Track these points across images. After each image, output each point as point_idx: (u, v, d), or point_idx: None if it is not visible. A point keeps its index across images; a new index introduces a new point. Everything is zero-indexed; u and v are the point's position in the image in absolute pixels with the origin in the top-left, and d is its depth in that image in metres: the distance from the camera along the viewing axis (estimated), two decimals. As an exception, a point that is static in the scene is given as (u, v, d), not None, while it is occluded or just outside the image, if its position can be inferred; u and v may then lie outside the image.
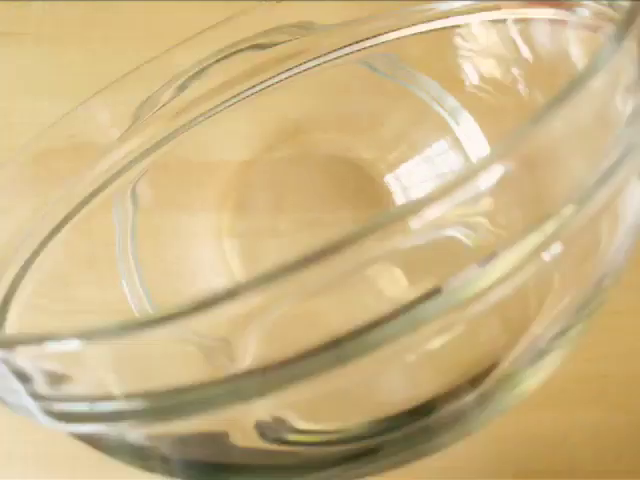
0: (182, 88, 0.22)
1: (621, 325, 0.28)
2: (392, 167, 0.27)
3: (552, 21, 0.20)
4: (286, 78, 0.23)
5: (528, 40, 0.22)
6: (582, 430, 0.28)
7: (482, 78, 0.21)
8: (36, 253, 0.27)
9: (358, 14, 0.26)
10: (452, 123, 0.19)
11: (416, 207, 0.10)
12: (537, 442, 0.28)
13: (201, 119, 0.23)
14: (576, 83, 0.11)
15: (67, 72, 0.28)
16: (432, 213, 0.10)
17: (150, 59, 0.26)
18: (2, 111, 0.28)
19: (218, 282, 0.26)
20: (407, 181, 0.26)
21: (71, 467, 0.28)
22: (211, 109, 0.23)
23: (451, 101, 0.19)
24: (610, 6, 0.17)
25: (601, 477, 0.28)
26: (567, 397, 0.28)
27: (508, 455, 0.28)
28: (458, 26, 0.21)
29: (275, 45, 0.22)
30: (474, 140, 0.19)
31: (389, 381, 0.15)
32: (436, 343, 0.13)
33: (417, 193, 0.26)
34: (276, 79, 0.23)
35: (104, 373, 0.13)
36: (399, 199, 0.27)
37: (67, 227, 0.28)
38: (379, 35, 0.22)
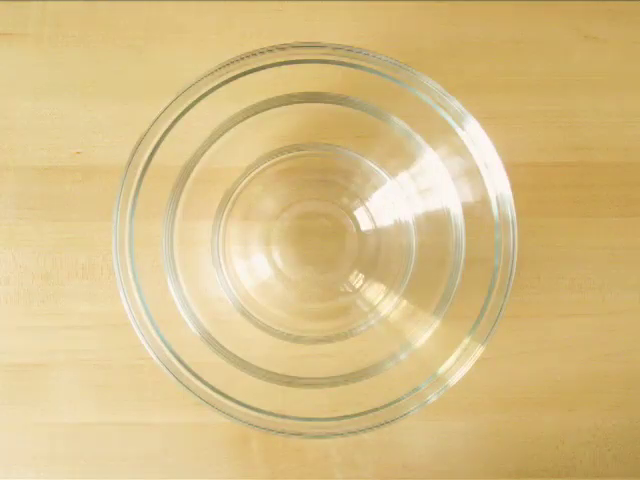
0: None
1: (621, 325, 0.29)
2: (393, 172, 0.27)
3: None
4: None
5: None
6: (582, 430, 0.28)
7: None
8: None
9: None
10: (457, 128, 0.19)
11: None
12: (537, 442, 0.28)
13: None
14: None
15: (67, 72, 0.28)
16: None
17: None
18: (2, 111, 0.28)
19: (219, 290, 0.26)
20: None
21: (71, 467, 0.28)
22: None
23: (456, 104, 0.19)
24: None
25: (600, 477, 0.29)
26: (567, 397, 0.28)
27: (508, 455, 0.28)
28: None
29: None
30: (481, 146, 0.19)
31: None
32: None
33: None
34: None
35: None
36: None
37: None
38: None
